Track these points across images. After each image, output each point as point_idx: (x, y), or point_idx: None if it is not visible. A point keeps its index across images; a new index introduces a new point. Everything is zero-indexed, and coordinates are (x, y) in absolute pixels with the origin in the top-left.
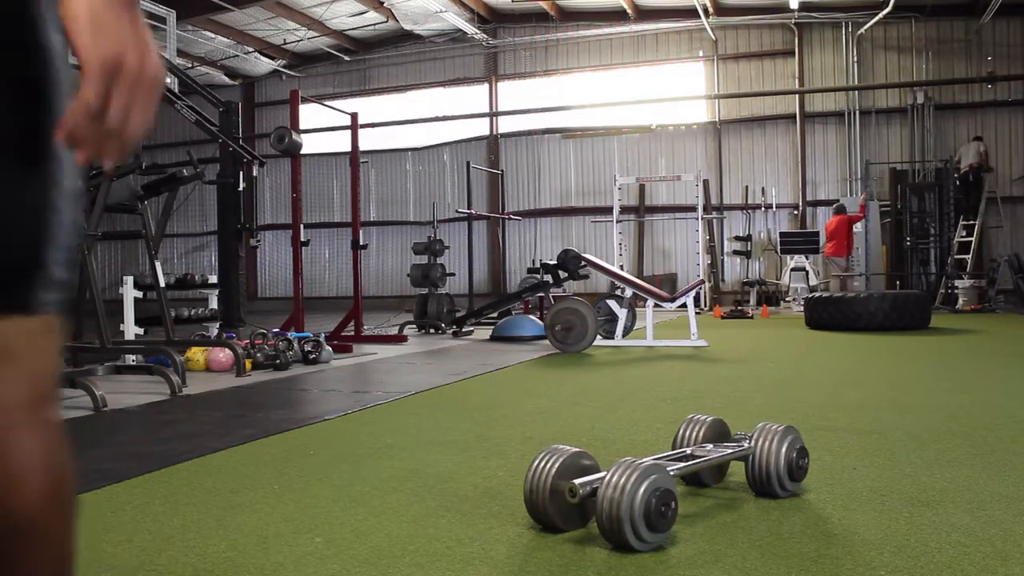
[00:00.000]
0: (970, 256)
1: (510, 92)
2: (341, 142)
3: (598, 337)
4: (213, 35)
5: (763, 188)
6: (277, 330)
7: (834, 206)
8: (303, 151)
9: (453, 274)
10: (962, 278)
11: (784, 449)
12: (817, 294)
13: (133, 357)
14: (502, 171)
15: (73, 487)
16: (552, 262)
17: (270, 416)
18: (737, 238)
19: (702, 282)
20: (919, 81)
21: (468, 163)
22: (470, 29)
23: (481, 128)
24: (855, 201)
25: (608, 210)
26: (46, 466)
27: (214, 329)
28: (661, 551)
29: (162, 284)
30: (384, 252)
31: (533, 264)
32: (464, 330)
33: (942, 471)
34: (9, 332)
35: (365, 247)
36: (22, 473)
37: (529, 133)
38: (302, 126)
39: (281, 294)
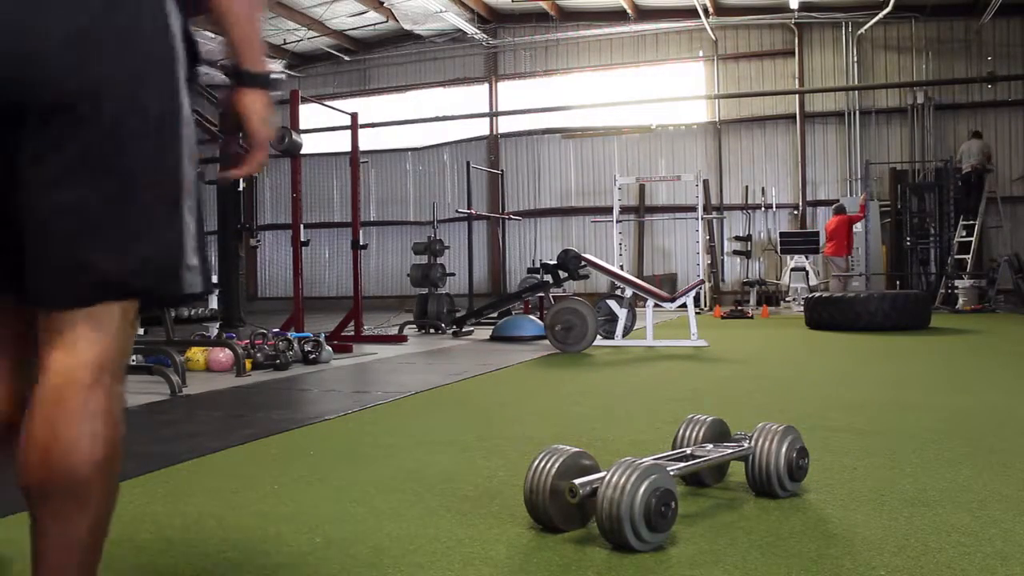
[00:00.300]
0: (970, 256)
1: (510, 92)
2: (341, 142)
3: (598, 337)
4: (213, 35)
5: (763, 188)
6: (277, 330)
7: (834, 206)
8: (303, 151)
9: (453, 274)
10: (962, 278)
11: (784, 449)
12: (817, 294)
13: (133, 357)
14: (502, 171)
15: (120, 457)
16: (552, 262)
17: (270, 416)
18: (737, 238)
19: (702, 282)
20: (919, 81)
21: (468, 163)
22: (470, 29)
23: (481, 128)
24: (855, 201)
25: (608, 210)
26: (103, 426)
27: (214, 329)
28: (661, 551)
29: None
30: (384, 252)
31: (533, 264)
32: (464, 330)
33: (942, 471)
34: (112, 312)
35: (365, 247)
36: (83, 430)
37: (529, 133)
38: (302, 126)
39: (281, 294)
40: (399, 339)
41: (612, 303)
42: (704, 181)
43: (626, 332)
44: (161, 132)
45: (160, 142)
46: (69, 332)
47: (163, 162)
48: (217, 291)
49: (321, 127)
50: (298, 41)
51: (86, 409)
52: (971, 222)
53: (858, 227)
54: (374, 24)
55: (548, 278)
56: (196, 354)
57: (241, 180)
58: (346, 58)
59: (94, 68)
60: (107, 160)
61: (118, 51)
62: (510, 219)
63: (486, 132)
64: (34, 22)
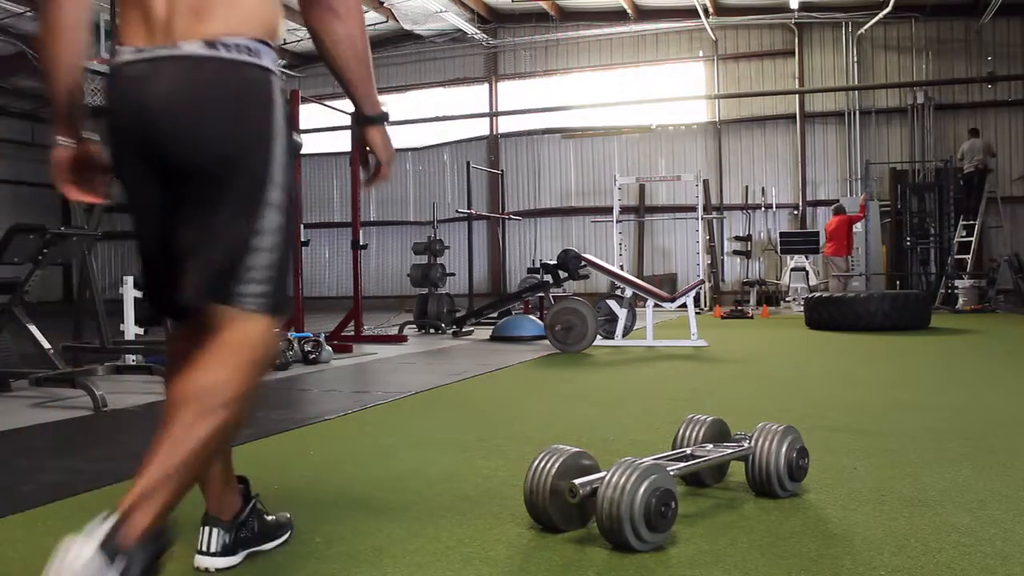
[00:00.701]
0: (970, 256)
1: (510, 92)
2: (341, 142)
3: (598, 337)
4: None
5: (763, 188)
6: (277, 330)
7: (834, 206)
8: (303, 151)
9: (453, 274)
10: (962, 278)
11: (784, 449)
12: (817, 294)
13: (133, 357)
14: (502, 171)
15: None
16: (552, 262)
17: (270, 416)
18: (737, 238)
19: (702, 282)
20: (919, 81)
21: (468, 163)
22: (470, 29)
23: (481, 128)
24: (855, 201)
25: (608, 210)
26: (239, 375)
27: None
28: (661, 551)
29: None
30: (384, 252)
31: (533, 264)
32: (464, 330)
33: (942, 471)
34: (232, 317)
35: (365, 247)
36: (223, 370)
37: (529, 133)
38: (302, 126)
39: None
40: (399, 339)
41: (612, 303)
42: (704, 181)
43: (626, 332)
44: (258, 190)
45: (254, 199)
46: (232, 333)
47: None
48: None
49: (321, 127)
50: (298, 41)
51: (229, 366)
52: (971, 222)
53: (858, 227)
54: (374, 24)
55: (548, 278)
56: None
57: None
58: None
59: (221, 146)
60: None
61: (241, 138)
62: (510, 219)
63: (486, 132)
64: (185, 115)
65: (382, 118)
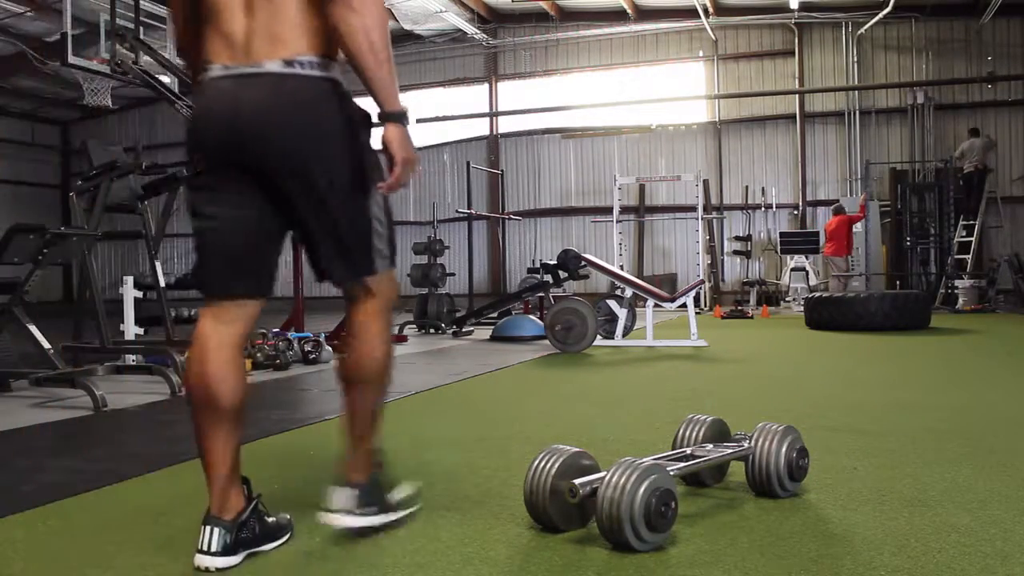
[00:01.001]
0: (970, 256)
1: (510, 92)
2: None
3: (598, 337)
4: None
5: (763, 188)
6: (277, 330)
7: (833, 207)
8: None
9: (453, 274)
10: (962, 278)
11: (784, 449)
12: (817, 294)
13: (133, 357)
14: (502, 171)
15: (391, 360)
16: (552, 262)
17: (270, 416)
18: (737, 238)
19: (702, 282)
20: (919, 81)
21: (468, 163)
22: (470, 29)
23: (481, 128)
24: (855, 201)
25: (608, 210)
26: (379, 342)
27: None
28: (661, 551)
29: (162, 284)
30: None
31: (533, 264)
32: (464, 330)
33: (942, 471)
34: (373, 281)
35: None
36: (369, 345)
37: (529, 133)
38: None
39: (281, 294)
40: (399, 339)
41: (612, 303)
42: (704, 181)
43: (626, 332)
44: (352, 187)
45: (352, 192)
46: (360, 295)
47: (355, 202)
48: None
49: None
50: None
51: (370, 333)
52: (971, 222)
53: (858, 227)
54: None
55: (548, 278)
56: None
57: None
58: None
59: (311, 146)
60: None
61: (327, 137)
62: (510, 219)
63: (486, 132)
64: (275, 122)
65: (398, 115)
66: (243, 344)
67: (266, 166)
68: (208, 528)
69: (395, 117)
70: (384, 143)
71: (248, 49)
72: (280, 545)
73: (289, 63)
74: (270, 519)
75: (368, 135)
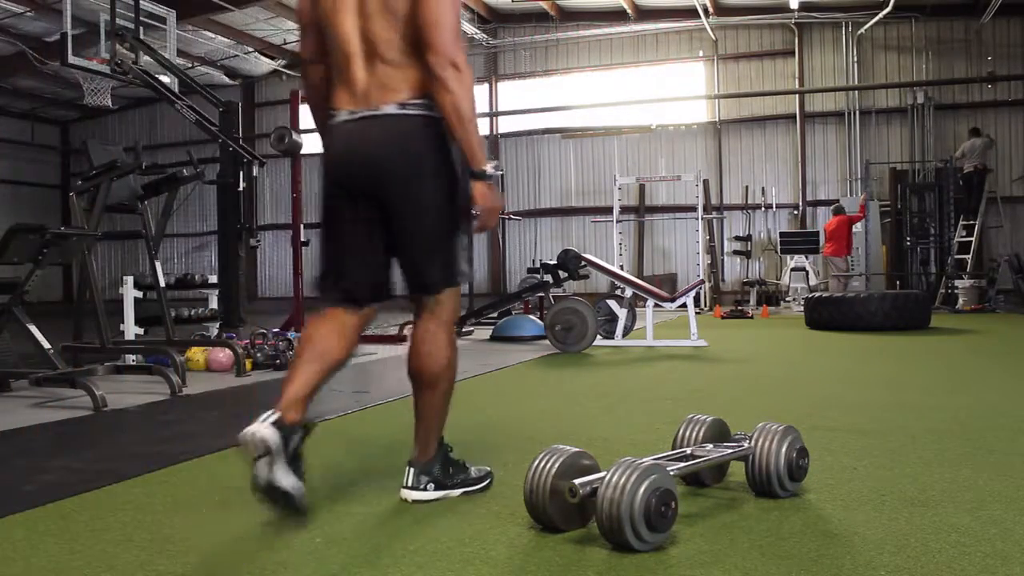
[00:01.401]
0: (970, 256)
1: (510, 92)
2: None
3: (598, 337)
4: (213, 35)
5: (763, 188)
6: (277, 330)
7: (833, 207)
8: (303, 151)
9: None
10: (962, 278)
11: (784, 449)
12: (817, 294)
13: (133, 357)
14: (502, 171)
15: (456, 364)
16: (552, 262)
17: None
18: (737, 238)
19: (702, 282)
20: (919, 81)
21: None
22: (470, 29)
23: (481, 128)
24: (855, 201)
25: (608, 210)
26: (447, 350)
27: (214, 329)
28: (661, 551)
29: (162, 284)
30: None
31: (533, 264)
32: (464, 330)
33: (942, 471)
34: (443, 296)
35: None
36: (438, 352)
37: (529, 133)
38: (302, 126)
39: (281, 294)
40: (399, 339)
41: (612, 303)
42: (704, 181)
43: (626, 332)
44: (444, 206)
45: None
46: (432, 306)
47: (445, 220)
48: (217, 291)
49: None
50: (298, 41)
51: (440, 342)
52: (971, 222)
53: (858, 227)
54: None
55: (548, 278)
56: (196, 354)
57: (241, 180)
58: None
59: (425, 171)
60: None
61: (435, 166)
62: (510, 219)
63: (486, 132)
64: (394, 154)
65: (481, 174)
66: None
67: (378, 188)
68: (409, 469)
69: (478, 175)
70: (472, 196)
71: (367, 97)
72: (471, 492)
73: (402, 105)
74: (469, 468)
75: (461, 163)
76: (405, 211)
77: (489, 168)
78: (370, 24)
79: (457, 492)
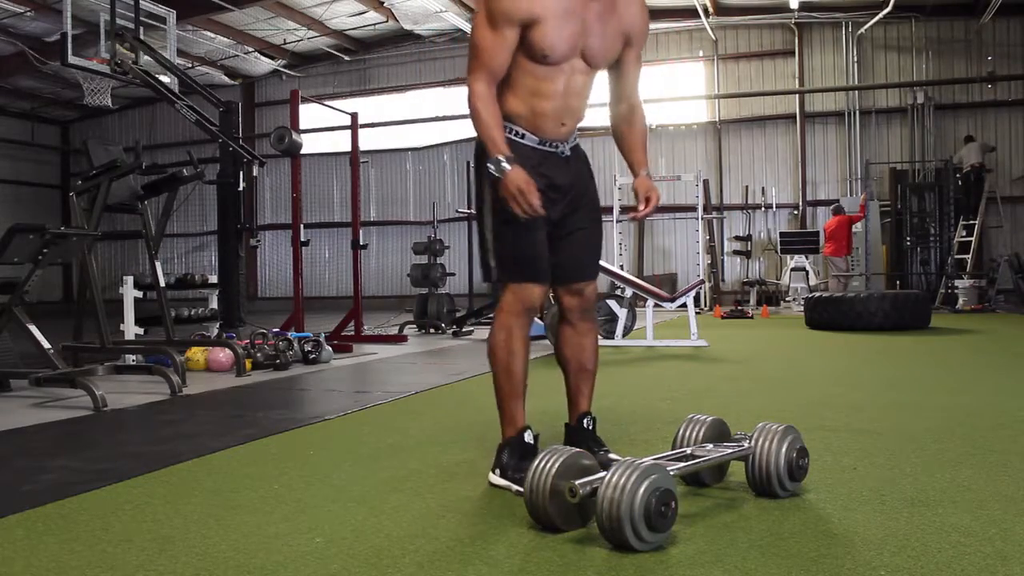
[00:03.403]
0: (970, 256)
1: None
2: (341, 142)
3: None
4: (213, 35)
5: (763, 188)
6: (277, 330)
7: (833, 207)
8: (303, 151)
9: (453, 274)
10: (962, 278)
11: (784, 449)
12: (817, 294)
13: (133, 357)
14: (510, 162)
15: (495, 350)
16: None
17: (270, 416)
18: (737, 238)
19: (702, 282)
20: (919, 81)
21: (468, 163)
22: (470, 29)
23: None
24: (855, 201)
25: (608, 210)
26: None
27: (214, 329)
28: (661, 551)
29: (162, 284)
30: (384, 252)
31: None
32: (464, 330)
33: (942, 471)
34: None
35: (365, 247)
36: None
37: None
38: (302, 126)
39: (281, 294)
40: (399, 339)
41: (612, 303)
42: (704, 181)
43: (626, 332)
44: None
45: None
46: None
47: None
48: (217, 291)
49: (321, 127)
50: (298, 41)
51: (491, 332)
52: (971, 222)
53: (858, 227)
54: (374, 24)
55: None
56: (196, 354)
57: (241, 180)
58: (346, 58)
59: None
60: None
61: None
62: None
63: None
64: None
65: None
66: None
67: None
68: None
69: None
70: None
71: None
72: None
73: (576, 138)
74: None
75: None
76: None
77: (501, 160)
78: None
79: (506, 483)
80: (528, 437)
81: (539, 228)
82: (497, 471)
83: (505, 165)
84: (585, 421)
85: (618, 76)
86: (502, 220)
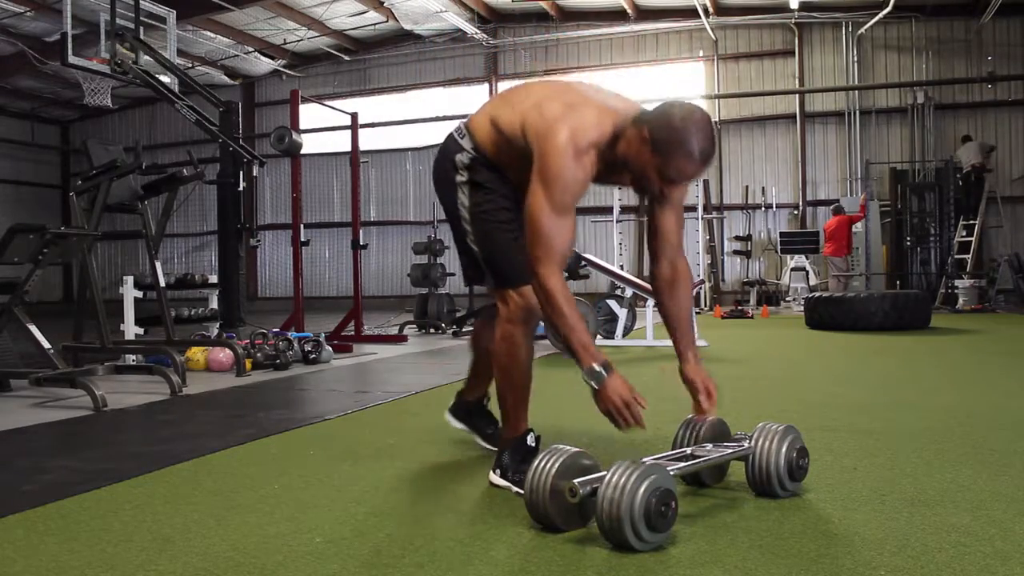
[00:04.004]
0: (970, 256)
1: None
2: (341, 142)
3: (598, 337)
4: (213, 35)
5: (763, 188)
6: (277, 330)
7: (833, 206)
8: (303, 151)
9: (453, 274)
10: (962, 278)
11: (784, 449)
12: (817, 294)
13: (133, 357)
14: (607, 371)
15: (501, 358)
16: None
17: (270, 416)
18: (737, 238)
19: (702, 282)
20: (919, 81)
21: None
22: (470, 29)
23: None
24: (855, 201)
25: (608, 210)
26: (494, 346)
27: (214, 329)
28: (661, 551)
29: (162, 284)
30: (384, 252)
31: None
32: (464, 330)
33: (942, 471)
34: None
35: (365, 247)
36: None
37: None
38: (302, 126)
39: (281, 294)
40: (399, 339)
41: (612, 303)
42: (704, 181)
43: (626, 332)
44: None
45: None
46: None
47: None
48: (217, 291)
49: (321, 127)
50: (298, 41)
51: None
52: (971, 222)
53: (858, 227)
54: (374, 24)
55: None
56: (196, 354)
57: (242, 180)
58: (346, 58)
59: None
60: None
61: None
62: None
63: None
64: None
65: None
66: None
67: None
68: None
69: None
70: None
71: None
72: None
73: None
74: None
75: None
76: None
77: (597, 368)
78: None
79: (507, 484)
80: (531, 440)
81: (518, 228)
82: (498, 471)
83: (603, 374)
84: (485, 399)
85: (655, 224)
86: (480, 229)
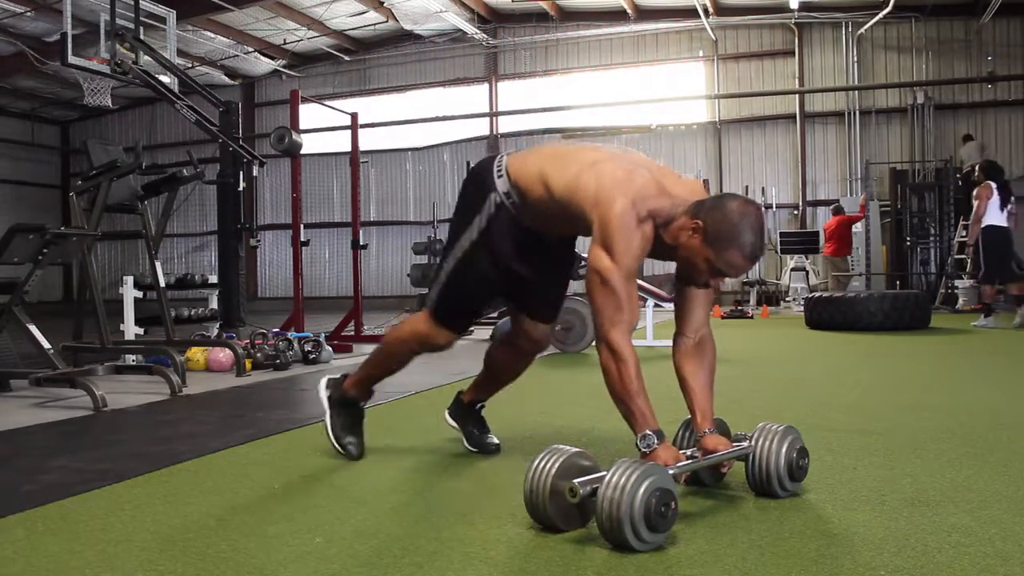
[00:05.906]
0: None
1: (510, 92)
2: (341, 142)
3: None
4: (213, 35)
5: (763, 188)
6: (277, 330)
7: (833, 206)
8: (303, 151)
9: None
10: (962, 278)
11: (784, 449)
12: (817, 294)
13: (133, 357)
14: (659, 438)
15: (385, 344)
16: None
17: (270, 416)
18: None
19: None
20: (919, 81)
21: (468, 163)
22: (470, 29)
23: (481, 128)
24: (855, 201)
25: None
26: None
27: (214, 329)
28: (661, 551)
29: (162, 284)
30: (384, 252)
31: None
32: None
33: (942, 471)
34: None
35: (365, 247)
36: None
37: (529, 133)
38: (302, 126)
39: (281, 294)
40: None
41: None
42: (704, 181)
43: None
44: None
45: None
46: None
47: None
48: (217, 291)
49: (321, 127)
50: (298, 41)
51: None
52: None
53: (858, 227)
54: (374, 24)
55: None
56: (196, 354)
57: (242, 180)
58: (346, 58)
59: None
60: None
61: None
62: None
63: (486, 132)
64: None
65: (718, 428)
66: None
67: None
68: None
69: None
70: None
71: None
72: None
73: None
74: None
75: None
76: None
77: (650, 435)
78: None
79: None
80: (360, 406)
81: (488, 291)
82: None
83: (656, 443)
84: (480, 404)
85: (685, 300)
86: (461, 271)
